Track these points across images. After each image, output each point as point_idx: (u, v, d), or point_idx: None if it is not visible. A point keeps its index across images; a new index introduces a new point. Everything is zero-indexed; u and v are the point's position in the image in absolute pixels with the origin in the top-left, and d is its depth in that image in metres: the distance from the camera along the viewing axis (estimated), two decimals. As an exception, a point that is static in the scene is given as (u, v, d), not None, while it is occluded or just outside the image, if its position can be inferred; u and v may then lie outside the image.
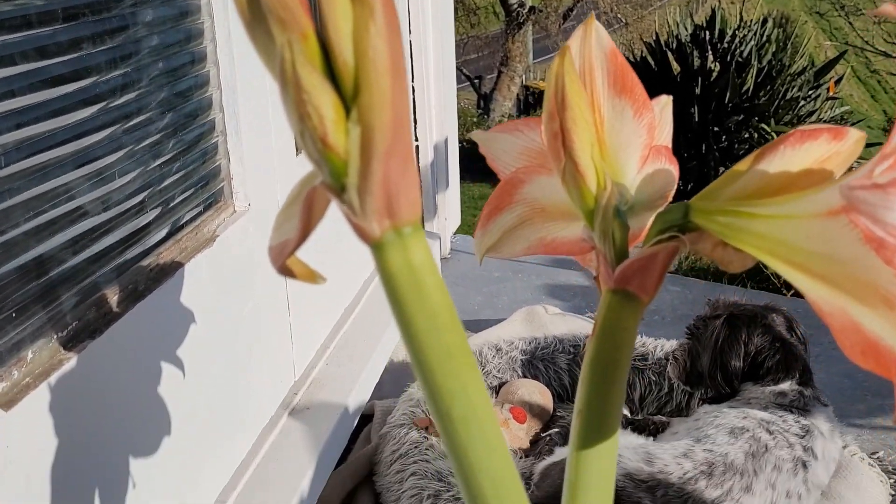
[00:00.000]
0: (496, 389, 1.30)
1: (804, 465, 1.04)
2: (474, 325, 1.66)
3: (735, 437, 1.06)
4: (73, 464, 0.68)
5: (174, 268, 0.84)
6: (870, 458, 1.17)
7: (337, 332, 1.30)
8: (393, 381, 1.41)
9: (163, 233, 0.85)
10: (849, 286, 0.37)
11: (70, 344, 0.69)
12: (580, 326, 1.54)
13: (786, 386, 1.13)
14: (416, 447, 1.10)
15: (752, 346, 1.14)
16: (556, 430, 1.24)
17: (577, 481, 0.45)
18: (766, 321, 1.17)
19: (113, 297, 0.76)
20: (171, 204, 0.87)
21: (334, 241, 1.27)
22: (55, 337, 0.68)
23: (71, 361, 0.68)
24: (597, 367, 0.46)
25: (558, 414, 1.29)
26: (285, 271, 0.37)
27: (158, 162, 0.84)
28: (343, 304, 1.36)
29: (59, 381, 0.66)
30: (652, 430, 1.22)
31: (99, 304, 0.74)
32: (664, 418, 1.29)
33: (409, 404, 1.19)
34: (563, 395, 1.37)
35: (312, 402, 1.13)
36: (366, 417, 1.29)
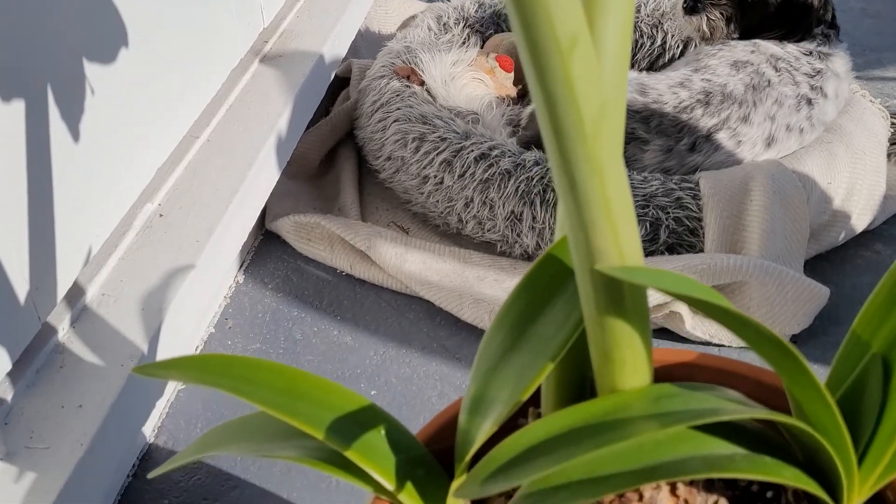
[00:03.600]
0: (482, 39, 1.22)
1: (809, 103, 0.99)
2: None
3: (737, 69, 1.00)
4: (17, 51, 0.60)
5: None
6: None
7: (306, -14, 1.19)
8: (369, 47, 1.33)
9: None
10: None
11: None
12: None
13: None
14: (397, 95, 1.04)
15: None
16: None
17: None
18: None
19: None
20: None
21: None
22: None
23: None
24: None
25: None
26: None
27: None
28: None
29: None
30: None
31: None
32: (658, 74, 1.22)
33: (389, 56, 1.11)
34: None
35: (285, 51, 1.05)
36: (344, 82, 1.22)
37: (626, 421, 0.39)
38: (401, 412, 0.84)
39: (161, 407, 0.84)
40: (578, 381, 0.45)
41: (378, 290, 0.96)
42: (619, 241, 0.38)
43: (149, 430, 0.82)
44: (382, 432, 0.46)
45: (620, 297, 0.39)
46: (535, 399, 0.48)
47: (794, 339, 0.87)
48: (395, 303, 0.95)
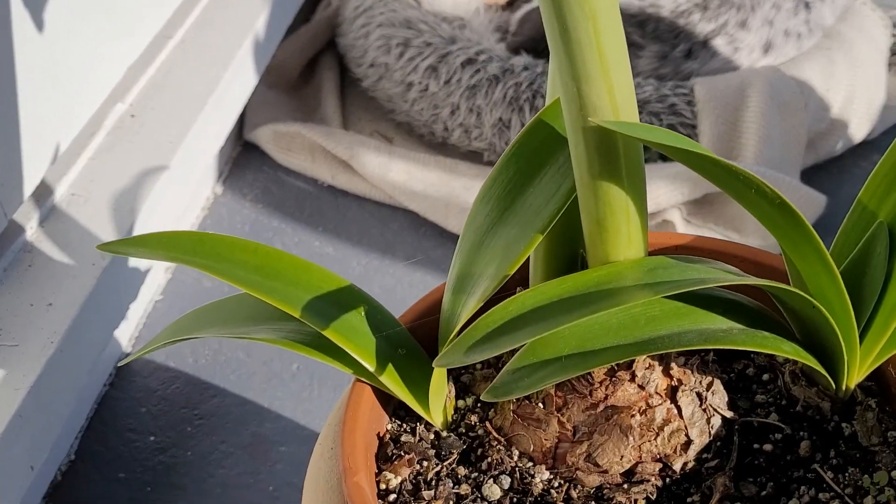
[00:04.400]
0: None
1: (806, 6, 0.96)
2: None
3: (733, -28, 0.97)
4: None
5: None
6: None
7: None
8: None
9: None
10: None
11: None
12: None
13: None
14: (381, 0, 1.00)
15: None
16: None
17: None
18: None
19: None
20: None
21: None
22: None
23: None
24: None
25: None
26: None
27: None
28: None
29: None
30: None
31: None
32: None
33: (372, -39, 1.06)
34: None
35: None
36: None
37: (619, 290, 0.37)
38: (385, 321, 0.82)
39: (137, 318, 0.81)
40: (569, 256, 0.42)
41: (361, 201, 0.93)
42: (613, 95, 0.35)
43: (125, 340, 0.79)
44: (362, 313, 0.43)
45: (615, 158, 0.36)
46: (524, 281, 0.45)
47: (788, 247, 0.85)
48: (378, 213, 0.92)
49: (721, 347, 0.44)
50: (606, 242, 0.38)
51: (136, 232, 0.69)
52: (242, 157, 0.99)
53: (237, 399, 0.76)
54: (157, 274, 0.84)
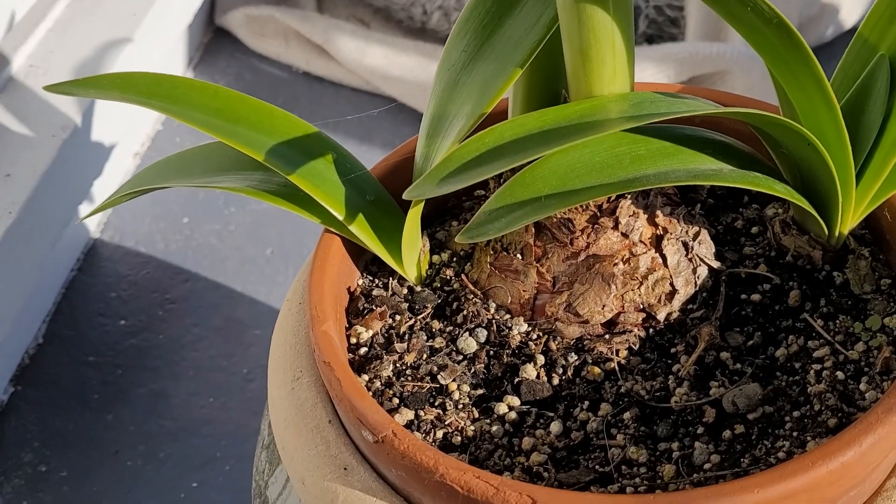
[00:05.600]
0: None
1: None
2: None
3: None
4: None
5: None
6: None
7: None
8: None
9: None
10: None
11: None
12: None
13: None
14: None
15: None
16: None
17: None
18: None
19: None
20: None
21: None
22: None
23: None
24: None
25: None
26: None
27: None
28: None
29: None
30: None
31: None
32: None
33: None
34: None
35: None
36: None
37: (603, 122, 0.35)
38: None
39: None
40: (550, 96, 0.40)
41: (337, 88, 0.90)
42: None
43: (93, 225, 0.77)
44: (331, 160, 0.41)
45: (601, -24, 0.34)
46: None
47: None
48: (355, 100, 0.89)
49: (710, 184, 0.43)
50: (590, 75, 0.36)
51: (99, 107, 0.66)
52: (214, 43, 0.94)
53: (210, 284, 0.74)
54: (126, 159, 0.81)
